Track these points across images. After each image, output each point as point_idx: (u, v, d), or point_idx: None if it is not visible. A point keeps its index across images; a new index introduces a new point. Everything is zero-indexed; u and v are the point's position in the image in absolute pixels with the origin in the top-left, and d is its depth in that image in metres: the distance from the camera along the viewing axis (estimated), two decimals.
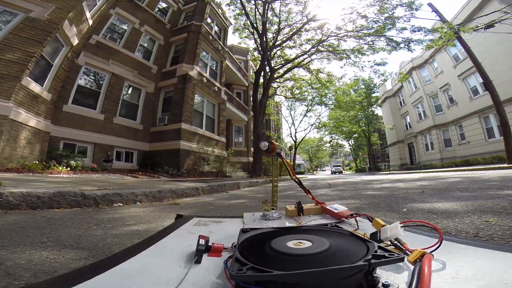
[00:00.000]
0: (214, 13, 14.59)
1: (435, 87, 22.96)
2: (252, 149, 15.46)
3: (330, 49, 15.71)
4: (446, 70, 21.10)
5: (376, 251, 0.38)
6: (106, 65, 9.59)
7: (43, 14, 6.95)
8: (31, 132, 6.75)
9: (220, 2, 14.46)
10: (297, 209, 0.86)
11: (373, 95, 31.40)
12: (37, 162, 6.48)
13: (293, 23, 15.14)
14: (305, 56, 16.13)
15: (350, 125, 31.34)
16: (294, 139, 26.65)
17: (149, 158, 10.25)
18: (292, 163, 23.35)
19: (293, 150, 26.04)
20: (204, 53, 13.26)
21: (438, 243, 0.47)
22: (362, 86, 30.38)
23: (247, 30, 15.48)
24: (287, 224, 0.77)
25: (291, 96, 21.80)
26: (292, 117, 27.36)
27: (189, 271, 0.43)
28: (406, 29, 13.45)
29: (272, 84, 16.48)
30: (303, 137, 29.81)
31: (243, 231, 0.57)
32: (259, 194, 5.13)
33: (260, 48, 14.36)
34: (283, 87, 20.54)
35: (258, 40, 14.31)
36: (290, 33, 15.34)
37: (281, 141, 28.85)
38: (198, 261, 0.47)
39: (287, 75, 18.18)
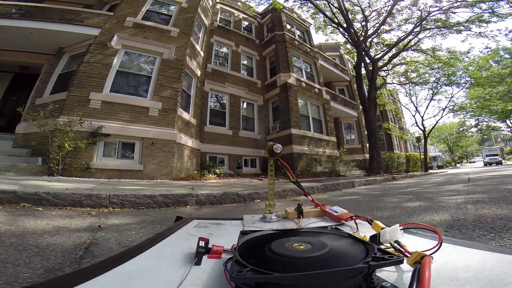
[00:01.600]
0: (291, 18, 14.81)
1: None
2: (367, 145, 14.64)
3: (439, 24, 13.14)
4: None
5: (375, 253, 0.38)
6: (224, 87, 11.44)
7: (171, 55, 8.28)
8: (189, 150, 8.77)
9: (291, 7, 14.54)
10: (297, 212, 0.86)
11: None
12: (196, 172, 8.48)
13: (380, 8, 13.58)
14: (409, 37, 14.00)
15: (503, 103, 23.76)
16: (422, 128, 21.70)
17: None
18: (422, 156, 19.88)
19: (422, 141, 21.23)
20: (295, 58, 13.60)
21: (438, 246, 0.47)
22: (507, 56, 22.69)
23: (330, 26, 14.88)
24: (287, 227, 0.76)
25: (407, 81, 18.75)
26: (414, 103, 22.88)
27: (189, 273, 0.43)
28: None
29: (378, 73, 15.14)
30: (434, 125, 24.75)
31: (243, 233, 0.57)
32: (374, 191, 4.84)
33: (351, 41, 13.48)
34: (393, 73, 18.03)
35: (346, 34, 13.48)
36: (381, 18, 13.70)
37: (404, 132, 24.75)
38: (198, 263, 0.48)
39: (395, 60, 16.06)
